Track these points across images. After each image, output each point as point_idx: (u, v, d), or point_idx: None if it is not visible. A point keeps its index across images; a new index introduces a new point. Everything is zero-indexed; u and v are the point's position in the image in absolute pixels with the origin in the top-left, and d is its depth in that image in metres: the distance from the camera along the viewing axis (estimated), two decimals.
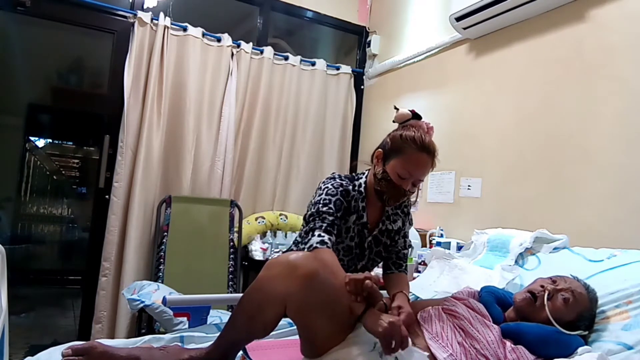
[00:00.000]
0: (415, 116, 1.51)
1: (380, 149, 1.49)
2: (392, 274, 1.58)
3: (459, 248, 2.36)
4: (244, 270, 3.01)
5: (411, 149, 1.40)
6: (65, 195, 5.22)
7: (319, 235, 1.32)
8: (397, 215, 1.59)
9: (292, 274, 1.05)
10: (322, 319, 1.08)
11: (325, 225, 1.36)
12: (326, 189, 1.46)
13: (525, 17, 2.33)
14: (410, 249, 1.65)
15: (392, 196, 1.45)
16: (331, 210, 1.40)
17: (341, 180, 1.51)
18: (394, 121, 1.53)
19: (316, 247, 1.29)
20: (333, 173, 1.56)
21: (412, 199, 1.59)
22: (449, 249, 2.31)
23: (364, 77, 3.66)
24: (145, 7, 2.92)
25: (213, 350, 1.14)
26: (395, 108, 1.52)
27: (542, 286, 1.34)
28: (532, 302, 1.32)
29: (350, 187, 1.50)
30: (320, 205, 1.41)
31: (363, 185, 1.53)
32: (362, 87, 3.66)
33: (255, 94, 3.19)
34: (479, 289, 1.53)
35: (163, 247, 2.71)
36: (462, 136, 2.67)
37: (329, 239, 1.33)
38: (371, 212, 1.53)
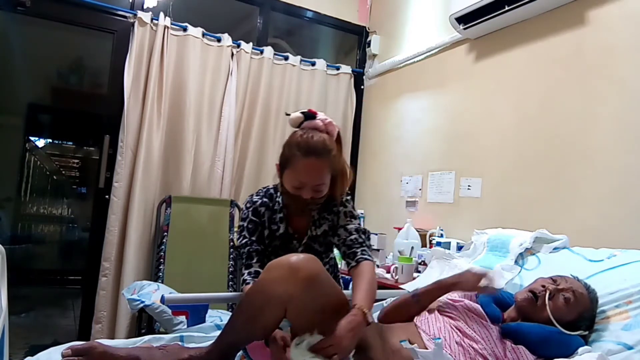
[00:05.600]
0: (308, 117, 1.37)
1: (277, 162, 1.41)
2: (353, 268, 1.40)
3: (459, 248, 2.36)
4: None
5: (296, 157, 1.31)
6: (65, 195, 5.23)
7: (242, 275, 1.44)
8: (323, 219, 1.49)
9: (294, 276, 1.04)
10: (323, 321, 1.08)
11: (244, 261, 1.46)
12: (242, 214, 1.51)
13: (525, 18, 2.32)
14: (360, 234, 1.45)
15: (296, 208, 1.40)
16: (245, 240, 1.46)
17: (256, 197, 1.51)
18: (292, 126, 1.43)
19: (242, 289, 1.40)
20: (253, 193, 1.54)
21: (344, 197, 1.47)
22: (449, 249, 2.31)
23: (364, 77, 3.66)
24: (145, 7, 2.91)
25: (213, 350, 1.14)
26: (287, 114, 1.42)
27: (543, 286, 1.34)
28: (534, 302, 1.32)
29: (267, 200, 1.49)
30: (240, 238, 1.47)
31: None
32: (362, 87, 3.66)
33: (255, 94, 3.18)
34: None
35: (163, 247, 2.71)
36: (462, 136, 2.67)
37: (249, 272, 1.42)
38: (297, 221, 1.48)
